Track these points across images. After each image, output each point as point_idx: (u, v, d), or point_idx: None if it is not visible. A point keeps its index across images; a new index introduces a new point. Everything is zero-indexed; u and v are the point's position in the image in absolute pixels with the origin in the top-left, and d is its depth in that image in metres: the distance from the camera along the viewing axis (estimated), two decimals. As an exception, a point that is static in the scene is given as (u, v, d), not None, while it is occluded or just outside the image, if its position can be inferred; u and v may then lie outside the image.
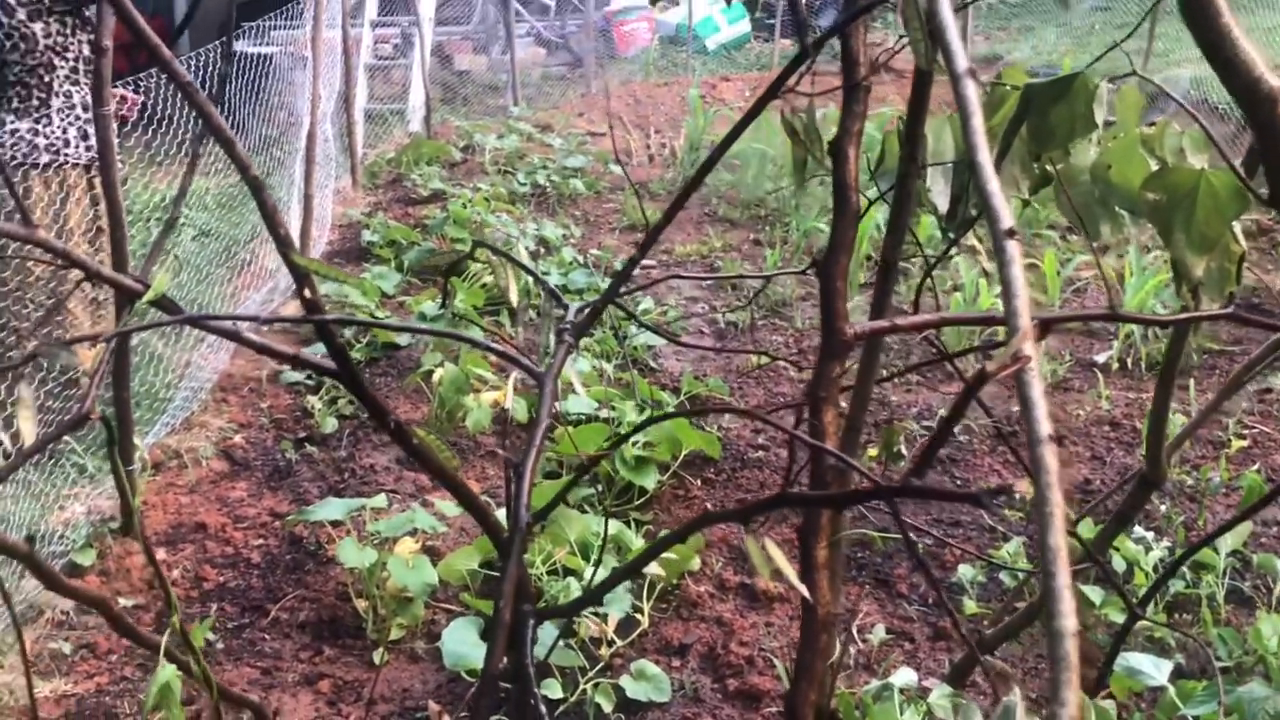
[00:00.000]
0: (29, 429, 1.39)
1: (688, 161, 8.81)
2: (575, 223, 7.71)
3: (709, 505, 4.04)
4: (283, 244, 1.45)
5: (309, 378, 5.07)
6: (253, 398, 4.95)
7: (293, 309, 5.62)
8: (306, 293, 1.45)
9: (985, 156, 1.20)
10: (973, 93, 1.22)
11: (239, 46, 5.65)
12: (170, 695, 1.58)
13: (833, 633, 1.62)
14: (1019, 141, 1.78)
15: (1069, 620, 0.99)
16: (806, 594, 1.41)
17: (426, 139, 9.31)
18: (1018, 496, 3.93)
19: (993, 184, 1.19)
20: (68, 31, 4.21)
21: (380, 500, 3.69)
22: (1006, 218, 1.16)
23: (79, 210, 4.31)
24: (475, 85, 12.83)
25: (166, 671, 1.58)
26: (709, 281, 6.50)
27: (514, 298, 2.14)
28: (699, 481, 4.19)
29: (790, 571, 1.37)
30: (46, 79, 4.20)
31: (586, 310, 1.68)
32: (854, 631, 3.29)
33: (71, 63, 4.25)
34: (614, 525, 3.65)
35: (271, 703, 3.03)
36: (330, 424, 4.64)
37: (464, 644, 3.09)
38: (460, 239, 6.71)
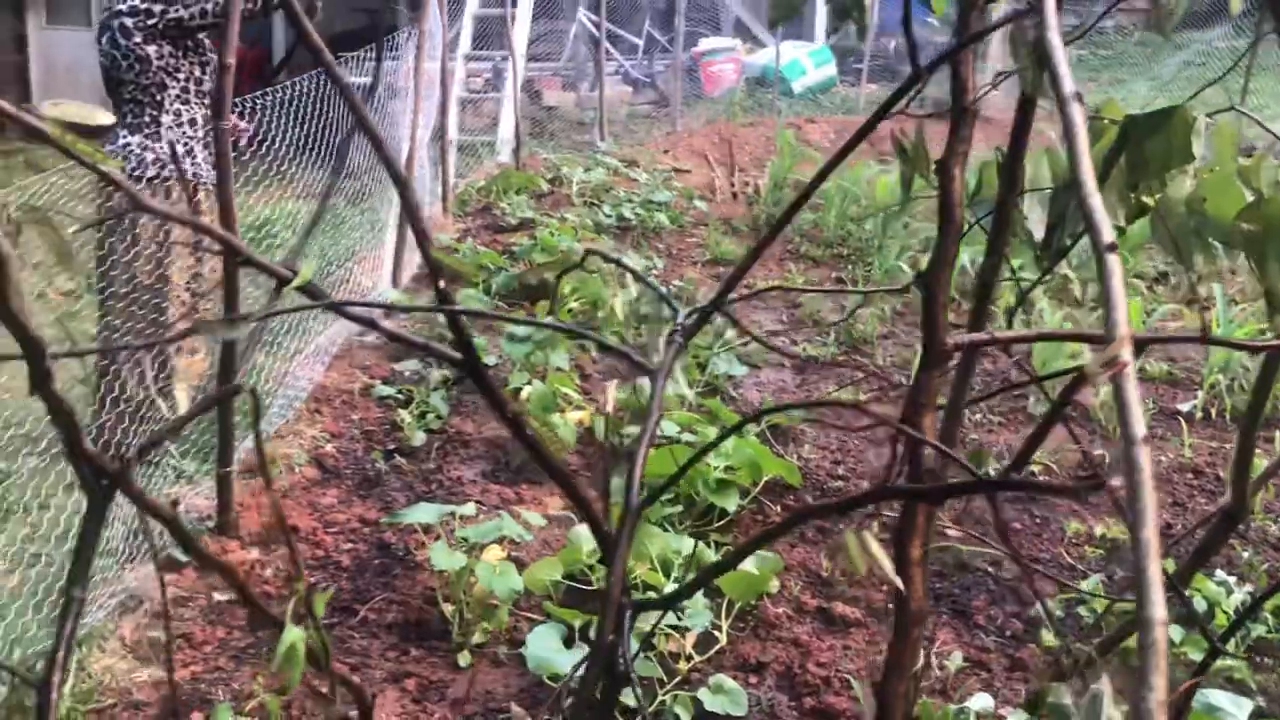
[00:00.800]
0: (184, 397, 1.51)
1: (771, 200, 8.90)
2: (659, 255, 7.84)
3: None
4: (421, 238, 1.56)
5: (399, 392, 5.22)
6: (345, 410, 5.11)
7: (390, 325, 5.77)
8: (441, 284, 1.56)
9: (1089, 174, 1.27)
10: (1078, 115, 1.30)
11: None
12: (295, 657, 1.65)
13: (922, 632, 1.68)
14: (1117, 173, 1.85)
15: (1159, 609, 1.05)
16: (901, 585, 1.48)
17: (515, 170, 9.51)
18: (1098, 534, 3.95)
19: (1095, 199, 1.27)
20: (179, 55, 4.50)
21: (469, 508, 3.80)
22: (1108, 232, 1.23)
23: (185, 223, 4.53)
24: (563, 120, 13.06)
25: (293, 634, 1.66)
26: (794, 311, 6.58)
27: (619, 309, 2.24)
28: (779, 508, 4.25)
29: (887, 563, 1.44)
30: (158, 98, 4.48)
31: (694, 314, 1.77)
32: (931, 656, 3.32)
33: (182, 83, 4.51)
34: (694, 544, 3.72)
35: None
36: (419, 437, 4.78)
37: (548, 649, 3.17)
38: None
